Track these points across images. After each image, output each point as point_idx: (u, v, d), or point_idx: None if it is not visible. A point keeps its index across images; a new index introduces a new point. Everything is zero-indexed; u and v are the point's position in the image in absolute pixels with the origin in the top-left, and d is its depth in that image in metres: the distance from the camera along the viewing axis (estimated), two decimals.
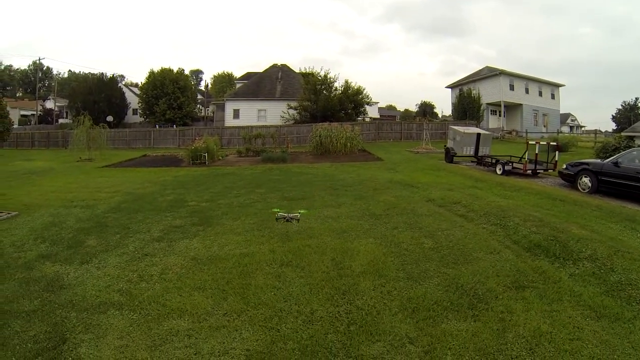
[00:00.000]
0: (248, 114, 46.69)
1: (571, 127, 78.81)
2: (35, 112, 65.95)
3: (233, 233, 7.93)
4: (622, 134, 28.41)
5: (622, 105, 73.51)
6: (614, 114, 73.99)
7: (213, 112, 61.11)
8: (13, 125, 39.02)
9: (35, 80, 79.15)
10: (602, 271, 5.66)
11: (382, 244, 6.95)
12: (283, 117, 43.45)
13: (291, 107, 42.74)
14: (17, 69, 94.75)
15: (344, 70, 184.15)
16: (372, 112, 66.50)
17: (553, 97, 52.68)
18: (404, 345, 3.95)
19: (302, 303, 4.79)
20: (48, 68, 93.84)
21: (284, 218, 8.46)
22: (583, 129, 67.25)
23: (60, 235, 8.06)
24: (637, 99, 71.79)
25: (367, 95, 44.26)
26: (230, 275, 5.71)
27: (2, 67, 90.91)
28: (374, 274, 5.63)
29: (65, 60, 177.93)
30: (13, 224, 9.14)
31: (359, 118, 44.06)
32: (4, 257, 6.81)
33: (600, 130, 37.38)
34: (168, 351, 3.86)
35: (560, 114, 66.19)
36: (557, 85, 53.41)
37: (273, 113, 45.80)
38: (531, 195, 11.75)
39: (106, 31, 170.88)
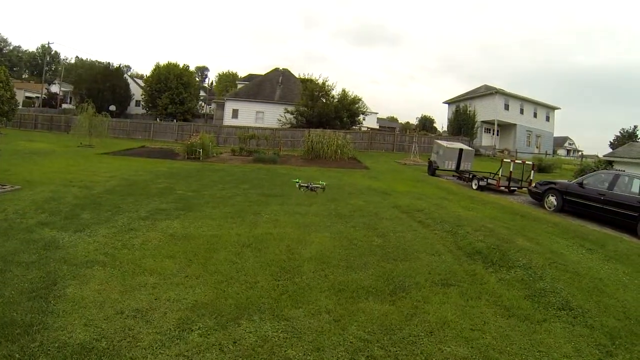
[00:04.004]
0: (247, 115, 47.68)
1: (568, 151, 79.27)
2: (40, 95, 66.92)
3: (209, 218, 8.94)
4: (602, 157, 29.11)
5: (620, 132, 73.93)
6: (612, 140, 74.25)
7: (213, 110, 62.07)
8: (18, 106, 39.92)
9: (42, 64, 79.89)
10: (531, 278, 6.16)
11: (336, 238, 7.81)
12: (280, 120, 44.28)
13: (288, 112, 43.61)
14: (25, 50, 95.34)
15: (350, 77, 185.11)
16: (371, 122, 67.47)
17: (548, 119, 53.82)
18: (320, 313, 4.73)
19: (250, 275, 5.73)
20: (56, 52, 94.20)
21: (307, 187, 9.13)
22: (580, 153, 67.84)
23: (58, 208, 9.10)
24: (635, 127, 72.05)
25: (363, 105, 45.28)
26: (198, 249, 6.70)
27: (11, 47, 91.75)
28: (318, 260, 6.49)
29: (74, 46, 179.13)
30: (16, 195, 10.21)
31: (354, 127, 44.96)
32: (7, 221, 7.84)
33: (597, 155, 38.15)
34: (135, 296, 4.87)
35: (558, 137, 67.33)
36: (553, 108, 54.52)
37: (271, 116, 46.71)
38: (495, 209, 12.53)
39: (118, 20, 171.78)
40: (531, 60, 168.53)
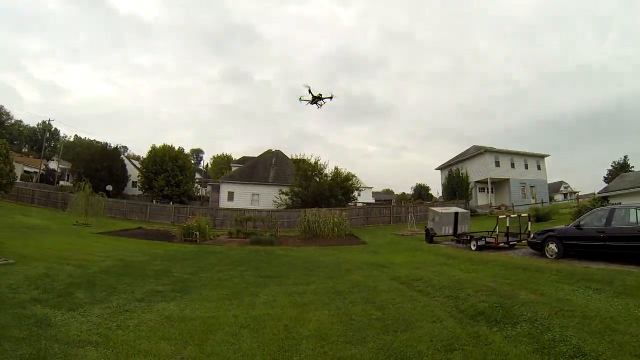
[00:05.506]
0: (242, 197, 48.39)
1: (565, 195, 78.79)
2: (38, 171, 67.49)
3: (206, 300, 8.77)
4: (597, 195, 28.99)
5: (612, 165, 72.97)
6: (605, 175, 73.00)
7: (209, 193, 62.69)
8: (16, 179, 40.12)
9: (42, 139, 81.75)
10: (537, 331, 5.99)
11: (334, 315, 7.63)
12: (275, 202, 44.86)
13: (283, 193, 44.25)
14: (27, 125, 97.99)
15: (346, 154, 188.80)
16: (366, 197, 68.22)
17: (539, 167, 54.58)
18: None
19: (248, 355, 5.55)
20: (56, 129, 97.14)
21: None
22: (577, 194, 67.14)
23: (52, 286, 8.96)
24: (625, 157, 71.57)
25: (357, 181, 46.05)
26: (195, 331, 6.51)
27: (13, 121, 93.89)
28: (317, 337, 6.31)
29: (73, 124, 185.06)
30: (10, 270, 10.11)
31: (350, 203, 45.25)
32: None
33: (594, 194, 38.14)
34: None
35: (553, 183, 67.51)
36: (542, 156, 55.38)
37: (266, 197, 47.47)
38: (496, 267, 12.31)
39: (117, 103, 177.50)
40: (514, 113, 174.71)
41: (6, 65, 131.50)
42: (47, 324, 6.33)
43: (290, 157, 53.52)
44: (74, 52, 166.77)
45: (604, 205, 19.47)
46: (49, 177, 68.41)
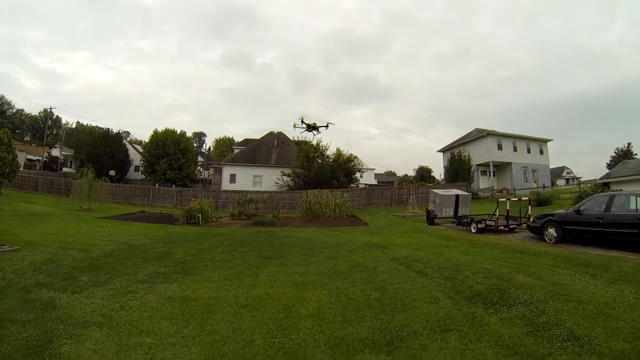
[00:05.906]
0: (244, 179, 48.33)
1: (567, 180, 78.97)
2: (41, 158, 67.53)
3: (208, 281, 8.95)
4: (598, 181, 28.86)
5: (615, 152, 72.67)
6: (608, 162, 72.69)
7: (211, 176, 62.78)
8: (19, 168, 40.25)
9: (44, 127, 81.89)
10: (533, 314, 6.08)
11: (333, 295, 7.77)
12: (277, 183, 44.80)
13: (285, 174, 44.11)
14: (28, 114, 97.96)
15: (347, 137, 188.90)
16: (368, 178, 68.02)
17: (542, 152, 54.17)
18: None
19: (247, 334, 5.71)
20: (57, 117, 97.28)
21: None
22: (579, 179, 66.88)
23: (56, 270, 9.18)
24: (629, 144, 71.20)
25: (359, 163, 45.95)
26: (196, 311, 6.69)
27: (14, 110, 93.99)
28: (315, 317, 6.45)
29: (75, 111, 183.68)
30: (15, 256, 10.34)
31: (352, 185, 45.27)
32: (5, 280, 7.93)
33: (596, 180, 38.05)
34: (131, 355, 4.87)
35: (555, 168, 66.87)
36: (545, 141, 54.94)
37: (268, 179, 47.43)
38: (495, 249, 12.41)
39: (119, 87, 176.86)
40: (516, 97, 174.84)
41: (6, 54, 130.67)
42: (52, 307, 6.51)
43: (292, 139, 53.41)
44: (74, 39, 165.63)
45: (604, 192, 19.31)
46: (52, 165, 68.61)
